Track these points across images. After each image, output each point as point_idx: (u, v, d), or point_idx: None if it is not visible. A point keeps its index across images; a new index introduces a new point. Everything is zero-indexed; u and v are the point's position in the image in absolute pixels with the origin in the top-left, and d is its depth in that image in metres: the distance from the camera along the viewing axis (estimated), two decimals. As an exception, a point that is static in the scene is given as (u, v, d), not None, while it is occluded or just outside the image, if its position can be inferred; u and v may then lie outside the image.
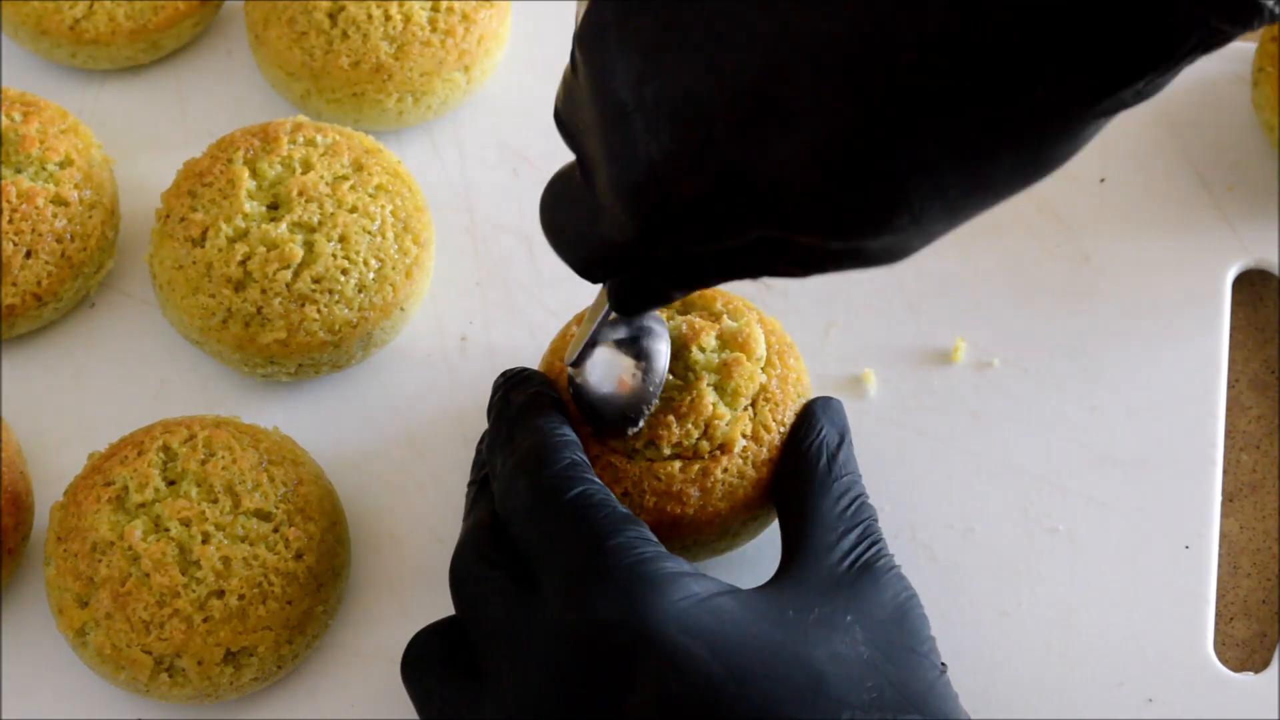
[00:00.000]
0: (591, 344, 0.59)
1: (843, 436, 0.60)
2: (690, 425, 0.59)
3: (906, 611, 0.55)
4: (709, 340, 0.61)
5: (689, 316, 0.62)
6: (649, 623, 0.51)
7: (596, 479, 0.56)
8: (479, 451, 0.62)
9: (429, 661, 0.56)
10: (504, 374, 0.61)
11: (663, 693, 0.51)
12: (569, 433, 0.57)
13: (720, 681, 0.51)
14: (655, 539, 0.54)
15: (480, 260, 0.71)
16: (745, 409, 0.60)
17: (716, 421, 0.60)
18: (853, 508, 0.57)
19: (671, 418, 0.59)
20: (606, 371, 0.59)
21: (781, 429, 0.60)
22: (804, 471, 0.59)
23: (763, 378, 0.61)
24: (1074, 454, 0.66)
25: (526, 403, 0.59)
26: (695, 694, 0.50)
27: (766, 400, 0.61)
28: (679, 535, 0.59)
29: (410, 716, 0.58)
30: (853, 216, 0.45)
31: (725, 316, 0.62)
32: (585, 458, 0.57)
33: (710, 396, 0.60)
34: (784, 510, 0.59)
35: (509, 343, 0.69)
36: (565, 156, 0.73)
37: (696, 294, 0.63)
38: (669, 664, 0.51)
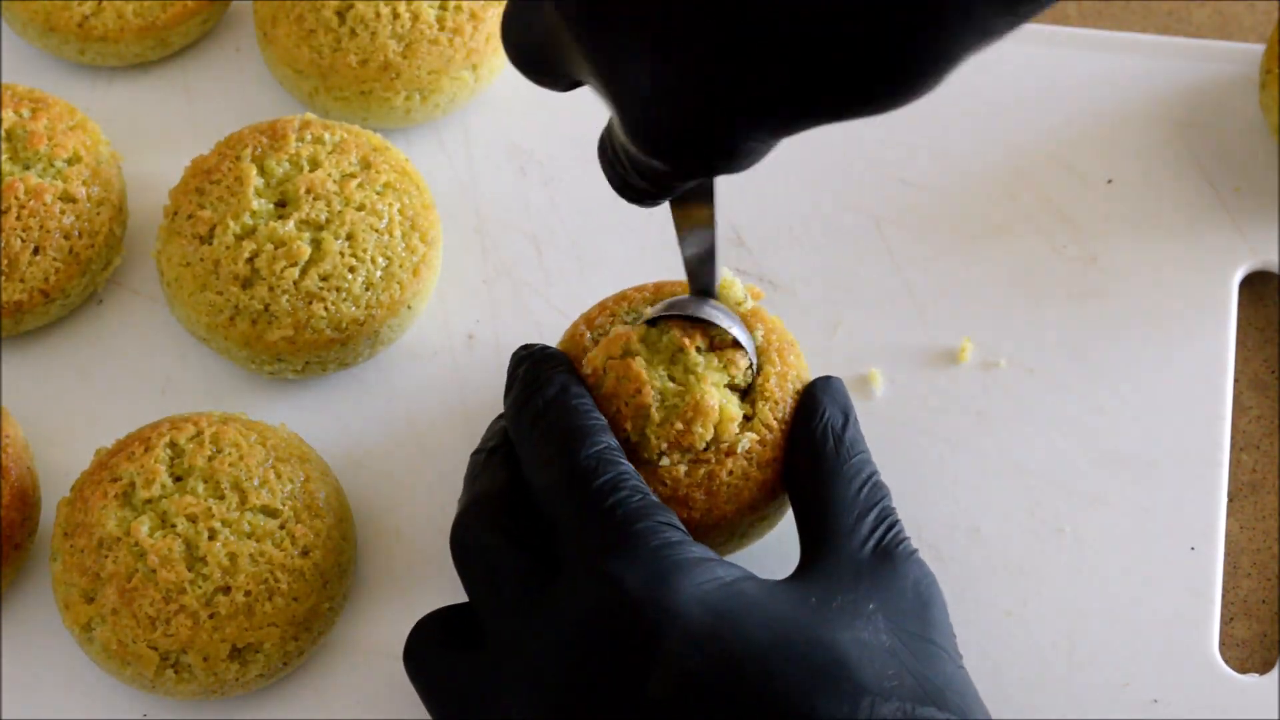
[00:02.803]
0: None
1: (847, 415, 0.59)
2: (699, 428, 0.59)
3: (928, 601, 0.55)
4: (701, 340, 0.61)
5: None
6: (673, 602, 0.52)
7: (629, 464, 0.56)
8: (492, 425, 0.62)
9: (433, 646, 0.56)
10: (524, 348, 0.61)
11: (685, 671, 0.51)
12: (600, 417, 0.58)
13: (742, 662, 0.51)
14: (682, 527, 0.55)
15: (488, 259, 0.71)
16: (754, 400, 0.60)
17: (728, 422, 0.59)
18: (866, 488, 0.57)
19: (680, 423, 0.59)
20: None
21: (783, 427, 0.60)
22: (813, 457, 0.58)
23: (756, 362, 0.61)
24: (1080, 455, 0.66)
25: (555, 381, 0.59)
26: (717, 673, 0.51)
27: (766, 399, 0.60)
28: (687, 538, 0.59)
29: (417, 714, 0.59)
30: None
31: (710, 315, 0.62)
32: (617, 442, 0.57)
33: (715, 395, 0.60)
34: (797, 498, 0.59)
35: (516, 341, 0.68)
36: (572, 156, 0.74)
37: (682, 284, 0.63)
38: (692, 643, 0.51)
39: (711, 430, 0.59)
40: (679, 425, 0.59)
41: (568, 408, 0.58)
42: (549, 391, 0.58)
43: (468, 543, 0.56)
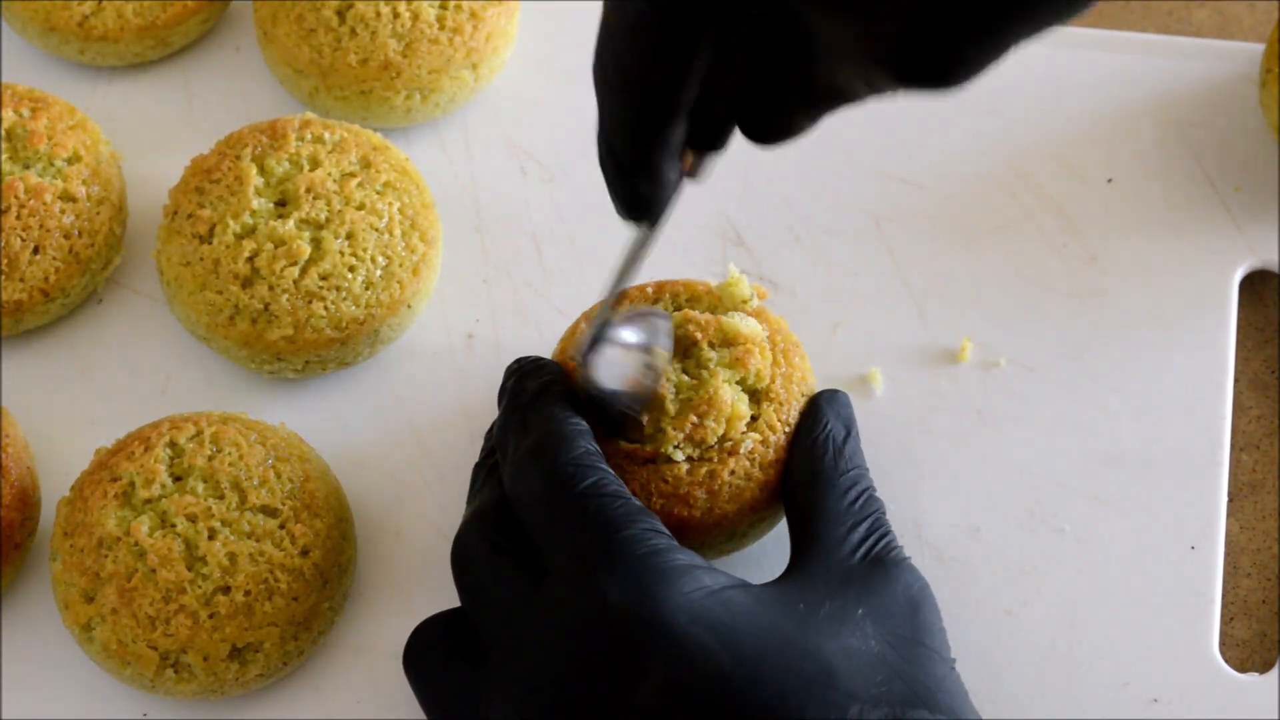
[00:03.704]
0: (599, 340, 0.59)
1: (849, 429, 0.60)
2: (711, 422, 0.59)
3: (919, 605, 0.55)
4: (715, 335, 0.61)
5: (689, 313, 0.61)
6: (660, 612, 0.52)
7: (609, 470, 0.56)
8: (489, 436, 0.62)
9: (432, 651, 0.56)
10: (517, 361, 0.61)
11: (673, 681, 0.51)
12: (582, 422, 0.58)
13: (730, 672, 0.51)
14: (667, 531, 0.55)
15: (487, 258, 0.71)
16: (759, 400, 0.60)
17: (737, 421, 0.60)
18: (860, 501, 0.58)
19: (694, 417, 0.59)
20: (618, 370, 0.59)
21: (787, 429, 0.60)
22: (810, 466, 0.59)
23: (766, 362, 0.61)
24: (1080, 454, 0.66)
25: (541, 390, 0.59)
26: (705, 683, 0.51)
27: (771, 400, 0.60)
28: (686, 537, 0.59)
29: (416, 714, 0.59)
30: None
31: (722, 314, 0.62)
32: (598, 448, 0.57)
33: (728, 391, 0.60)
34: (791, 505, 0.59)
35: (516, 341, 0.69)
36: (572, 155, 0.74)
37: (689, 293, 0.63)
38: (679, 653, 0.51)
39: (723, 426, 0.59)
40: (693, 418, 0.59)
41: (547, 415, 0.58)
42: (529, 401, 0.58)
43: (466, 559, 0.57)
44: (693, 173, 0.53)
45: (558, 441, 0.56)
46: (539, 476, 0.56)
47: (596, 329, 0.58)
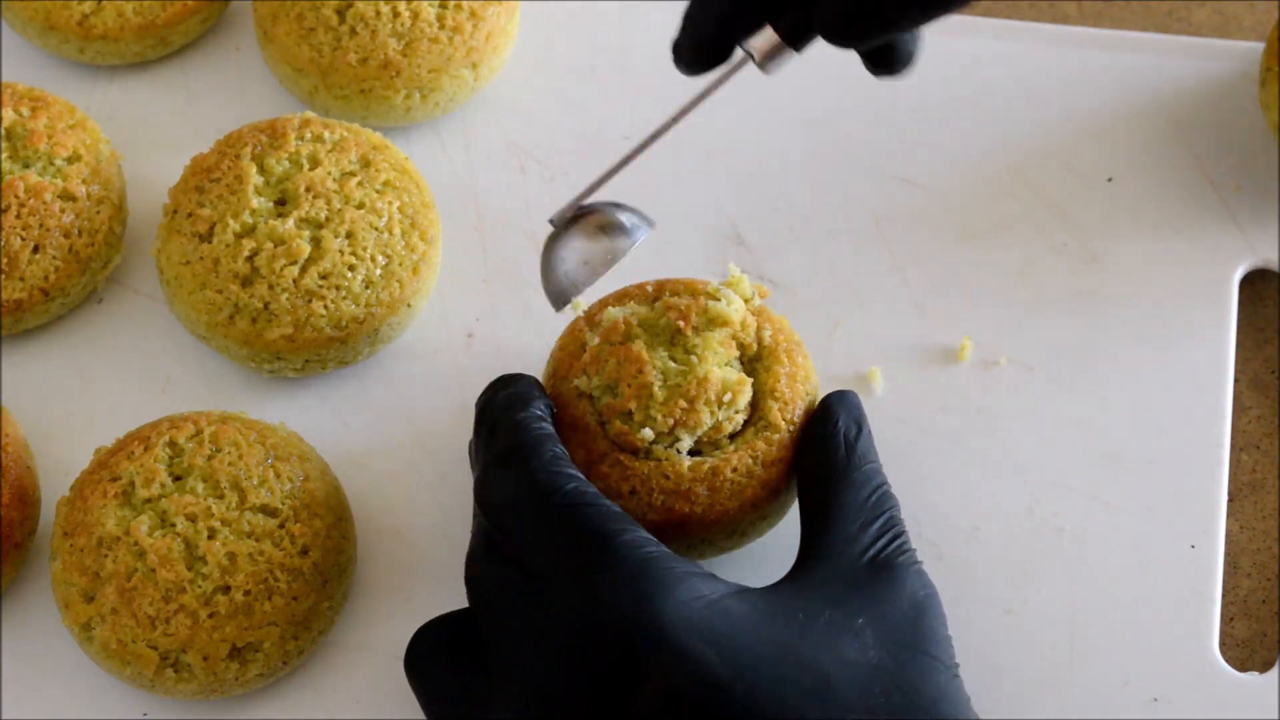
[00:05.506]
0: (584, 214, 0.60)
1: (860, 426, 0.60)
2: (701, 405, 0.59)
3: (924, 611, 0.55)
4: (699, 319, 0.61)
5: (669, 300, 0.61)
6: (658, 621, 0.52)
7: (580, 474, 0.56)
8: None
9: (434, 654, 0.57)
10: (494, 380, 0.61)
11: (671, 690, 0.51)
12: (549, 427, 0.58)
13: (727, 684, 0.51)
14: (655, 539, 0.55)
15: (487, 257, 0.71)
16: (767, 397, 0.60)
17: (739, 391, 0.60)
18: (875, 497, 0.57)
19: (683, 402, 0.59)
20: (582, 253, 0.59)
21: (791, 427, 0.60)
22: (824, 463, 0.59)
23: (754, 325, 0.61)
24: (1080, 453, 0.66)
25: (508, 399, 0.59)
26: (703, 694, 0.51)
27: (775, 398, 0.61)
28: (687, 534, 0.59)
29: (416, 715, 0.59)
30: None
31: (707, 297, 0.62)
32: (565, 450, 0.57)
33: (717, 372, 0.60)
34: (805, 502, 0.59)
35: (515, 340, 0.69)
36: (572, 154, 0.74)
37: (689, 292, 0.63)
38: (677, 664, 0.51)
39: (716, 411, 0.59)
40: (683, 403, 0.59)
41: (514, 421, 0.58)
42: (497, 409, 0.59)
43: (474, 567, 0.57)
44: (762, 64, 0.55)
45: (528, 448, 0.56)
46: (511, 482, 0.56)
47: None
